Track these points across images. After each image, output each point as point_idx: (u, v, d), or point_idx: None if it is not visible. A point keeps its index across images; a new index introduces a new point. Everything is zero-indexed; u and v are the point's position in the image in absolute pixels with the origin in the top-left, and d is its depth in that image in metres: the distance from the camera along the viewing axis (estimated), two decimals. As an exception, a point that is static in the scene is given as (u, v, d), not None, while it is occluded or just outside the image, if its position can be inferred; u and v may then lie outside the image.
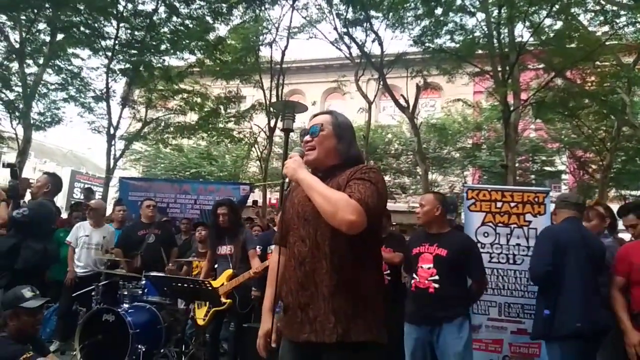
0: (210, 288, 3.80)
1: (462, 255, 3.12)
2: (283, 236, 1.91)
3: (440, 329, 3.01)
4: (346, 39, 11.46)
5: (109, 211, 7.13)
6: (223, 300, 4.09)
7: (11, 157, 12.08)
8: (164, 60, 11.20)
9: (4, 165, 4.82)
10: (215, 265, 4.59)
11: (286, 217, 1.86)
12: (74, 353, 4.42)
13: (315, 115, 1.94)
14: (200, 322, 4.27)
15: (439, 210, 3.21)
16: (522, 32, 9.09)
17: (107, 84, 10.76)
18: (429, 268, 3.11)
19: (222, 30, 11.45)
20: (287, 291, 1.77)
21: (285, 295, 1.78)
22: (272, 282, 1.91)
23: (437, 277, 3.07)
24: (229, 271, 4.29)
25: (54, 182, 4.46)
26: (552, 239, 3.04)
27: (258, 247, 4.72)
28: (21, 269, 3.97)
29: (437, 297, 3.04)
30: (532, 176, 15.61)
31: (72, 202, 8.55)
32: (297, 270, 1.73)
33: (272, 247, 4.75)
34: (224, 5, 10.51)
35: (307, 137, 1.84)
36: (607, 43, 8.44)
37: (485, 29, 9.25)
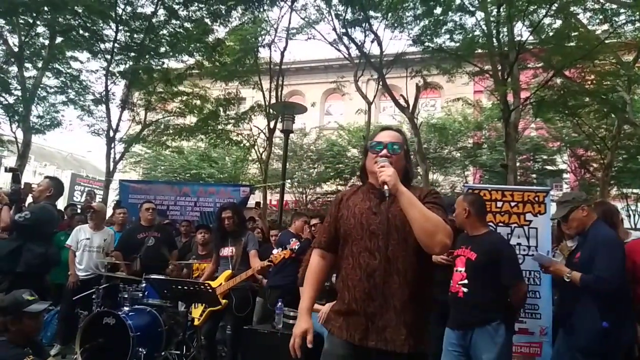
0: (210, 290, 3.81)
1: (491, 258, 3.00)
2: (330, 242, 1.99)
3: (473, 333, 2.95)
4: (345, 39, 11.47)
5: (108, 214, 7.12)
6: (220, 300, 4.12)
7: (11, 160, 12.07)
8: (163, 62, 11.20)
9: (6, 170, 4.86)
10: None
11: (346, 226, 1.91)
12: (75, 357, 4.42)
13: (387, 129, 2.01)
14: (196, 321, 4.30)
15: (467, 212, 3.18)
16: (521, 30, 9.08)
17: (106, 86, 10.76)
18: (460, 272, 3.09)
19: (220, 32, 11.46)
20: (351, 299, 1.83)
21: (349, 302, 1.83)
22: (312, 284, 1.99)
23: (466, 282, 3.03)
24: (228, 272, 4.35)
25: (56, 186, 4.50)
26: (623, 248, 2.96)
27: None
28: (23, 272, 4.00)
29: (465, 302, 3.00)
30: (533, 175, 15.59)
31: (69, 204, 8.51)
32: (365, 282, 1.79)
33: (275, 250, 4.82)
34: (222, 7, 10.50)
35: (386, 152, 1.89)
36: (606, 41, 8.41)
37: (485, 28, 9.24)
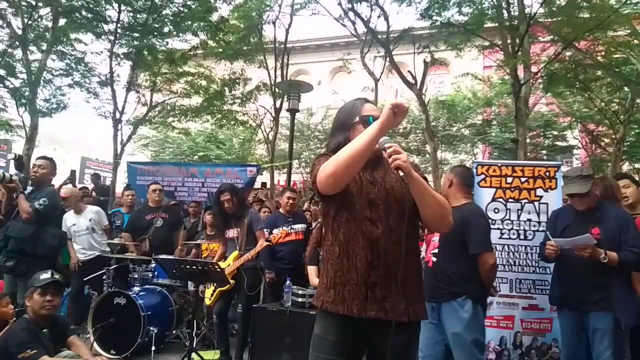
0: (218, 270, 3.83)
1: (461, 227, 2.77)
2: None
3: (439, 307, 2.86)
4: (351, 14, 11.24)
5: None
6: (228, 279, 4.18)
7: (20, 145, 12.12)
8: (167, 42, 11.08)
9: (13, 158, 4.94)
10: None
11: (346, 191, 1.80)
12: (88, 336, 4.49)
13: (367, 102, 1.93)
14: (207, 301, 4.36)
15: (450, 182, 3.15)
16: (532, 1, 8.84)
17: (110, 68, 10.70)
18: (434, 241, 3.05)
19: (224, 10, 11.28)
20: (351, 267, 1.77)
21: (347, 270, 1.77)
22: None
23: (436, 251, 2.98)
24: (235, 253, 4.42)
25: (55, 167, 4.55)
26: None
27: (265, 230, 4.75)
28: (45, 254, 4.12)
29: (434, 272, 2.92)
30: (544, 151, 15.39)
31: (81, 187, 8.57)
32: (368, 250, 1.75)
33: (275, 230, 4.81)
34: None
35: None
36: (620, 11, 8.12)
37: (494, 0, 8.98)
